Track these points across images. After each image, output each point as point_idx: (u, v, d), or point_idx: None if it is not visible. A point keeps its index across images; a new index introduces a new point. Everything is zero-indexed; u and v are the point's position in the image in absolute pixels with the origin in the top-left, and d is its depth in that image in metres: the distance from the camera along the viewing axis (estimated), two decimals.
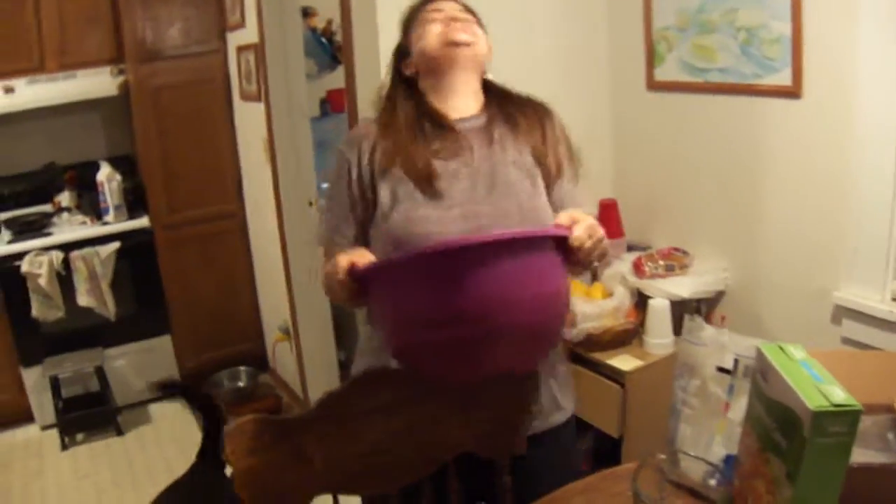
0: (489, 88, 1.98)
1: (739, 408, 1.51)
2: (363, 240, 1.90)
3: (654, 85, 3.32)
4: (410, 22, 1.97)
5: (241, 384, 5.06)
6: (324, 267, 1.87)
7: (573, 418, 2.08)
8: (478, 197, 1.81)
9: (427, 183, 1.81)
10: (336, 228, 1.94)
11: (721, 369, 1.59)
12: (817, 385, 1.19)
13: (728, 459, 1.54)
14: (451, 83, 1.90)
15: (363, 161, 1.90)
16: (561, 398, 2.00)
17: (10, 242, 4.51)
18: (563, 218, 1.59)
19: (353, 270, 1.57)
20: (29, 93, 4.61)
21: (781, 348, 1.32)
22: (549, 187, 1.89)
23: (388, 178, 1.85)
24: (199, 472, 2.45)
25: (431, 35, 1.87)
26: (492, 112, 1.93)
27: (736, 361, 1.56)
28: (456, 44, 1.85)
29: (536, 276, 1.45)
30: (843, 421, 1.14)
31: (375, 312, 1.68)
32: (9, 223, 4.79)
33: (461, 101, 1.92)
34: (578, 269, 1.68)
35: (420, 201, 1.80)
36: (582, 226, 1.56)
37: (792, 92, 2.71)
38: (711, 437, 1.59)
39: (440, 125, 1.89)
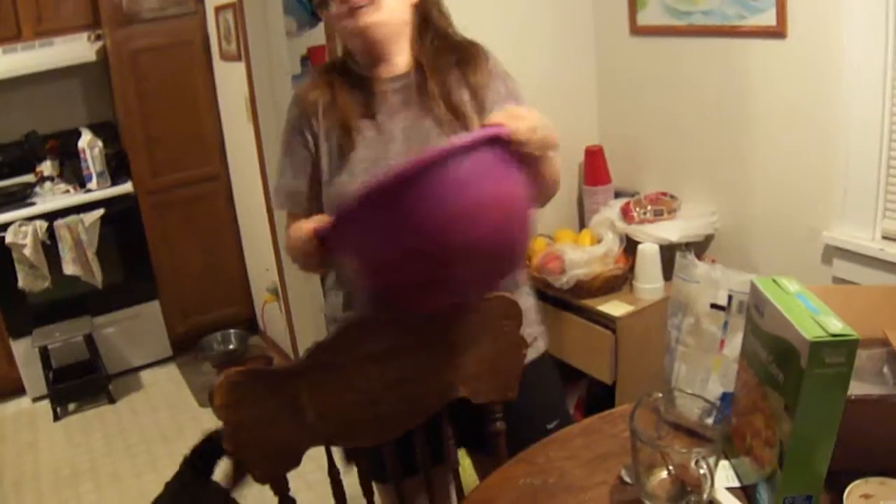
0: (426, 37, 1.89)
1: (734, 344, 1.49)
2: (318, 202, 1.90)
3: (637, 29, 3.28)
4: None
5: (231, 347, 5.07)
6: (287, 233, 1.87)
7: (547, 354, 2.09)
8: (391, 155, 1.80)
9: (348, 139, 1.82)
10: (294, 190, 1.94)
11: (715, 306, 1.57)
12: (813, 316, 1.17)
13: (724, 396, 1.53)
14: (369, 55, 1.86)
15: (313, 122, 1.89)
16: (534, 336, 2.00)
17: None
18: (498, 116, 1.53)
19: (317, 232, 1.57)
20: (6, 62, 4.56)
21: (776, 281, 1.31)
22: None
23: (328, 140, 1.85)
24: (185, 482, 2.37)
25: (331, 16, 1.82)
26: (422, 68, 1.86)
27: (730, 297, 1.55)
28: (356, 30, 1.79)
29: (478, 184, 1.38)
30: (841, 351, 1.13)
31: (346, 273, 1.66)
32: None
33: (385, 65, 1.87)
34: (531, 165, 1.57)
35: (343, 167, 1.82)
36: (520, 119, 1.50)
37: (776, 32, 2.69)
38: (707, 374, 1.58)
39: (364, 86, 1.87)
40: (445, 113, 1.82)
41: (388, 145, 1.82)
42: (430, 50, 1.87)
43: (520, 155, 1.48)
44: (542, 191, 1.82)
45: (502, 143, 1.45)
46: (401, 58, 1.87)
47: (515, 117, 1.50)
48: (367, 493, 1.83)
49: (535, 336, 2.02)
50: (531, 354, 1.96)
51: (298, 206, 1.92)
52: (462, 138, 1.41)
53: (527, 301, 1.99)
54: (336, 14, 1.78)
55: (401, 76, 1.86)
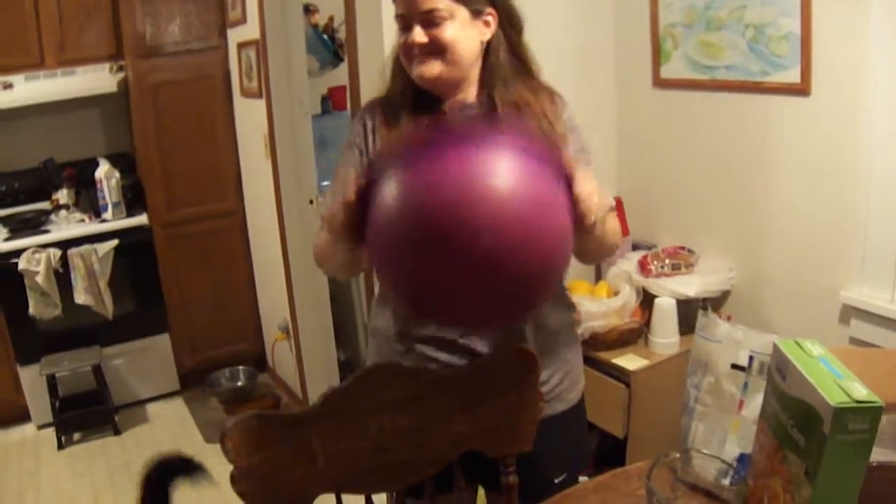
0: (493, 72, 1.86)
1: (754, 405, 1.48)
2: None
3: (660, 82, 3.29)
4: None
5: (239, 383, 5.04)
6: (317, 234, 1.83)
7: (580, 406, 2.06)
8: None
9: None
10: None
11: (735, 366, 1.56)
12: (837, 381, 1.16)
13: (742, 458, 1.51)
14: (437, 93, 1.85)
15: (368, 139, 1.89)
16: (565, 387, 1.98)
17: (7, 240, 4.48)
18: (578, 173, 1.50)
19: (358, 189, 1.49)
20: (27, 89, 4.58)
21: (798, 344, 1.29)
22: None
23: None
24: None
25: (398, 47, 1.82)
26: (490, 98, 1.84)
27: (751, 358, 1.54)
28: (423, 80, 1.80)
29: (533, 183, 1.36)
30: (865, 418, 1.12)
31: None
32: (6, 220, 4.75)
33: (455, 95, 1.86)
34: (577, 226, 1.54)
35: None
36: (590, 181, 1.50)
37: (800, 89, 2.69)
38: (725, 435, 1.56)
39: (432, 110, 1.85)
40: None
41: None
42: (500, 84, 1.84)
43: (576, 211, 1.47)
44: (598, 249, 1.84)
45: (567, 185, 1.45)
46: (472, 89, 1.86)
47: (589, 179, 1.50)
48: None
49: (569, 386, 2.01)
50: (560, 406, 1.96)
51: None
52: (530, 137, 1.43)
53: (566, 354, 1.99)
54: (404, 54, 1.80)
55: (469, 105, 1.85)
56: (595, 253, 1.92)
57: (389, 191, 1.38)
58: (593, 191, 1.49)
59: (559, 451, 1.99)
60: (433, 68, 1.76)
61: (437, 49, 1.75)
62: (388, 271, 1.47)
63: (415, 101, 1.86)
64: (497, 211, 1.30)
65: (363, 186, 1.47)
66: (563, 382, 1.97)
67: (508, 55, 1.85)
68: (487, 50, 1.83)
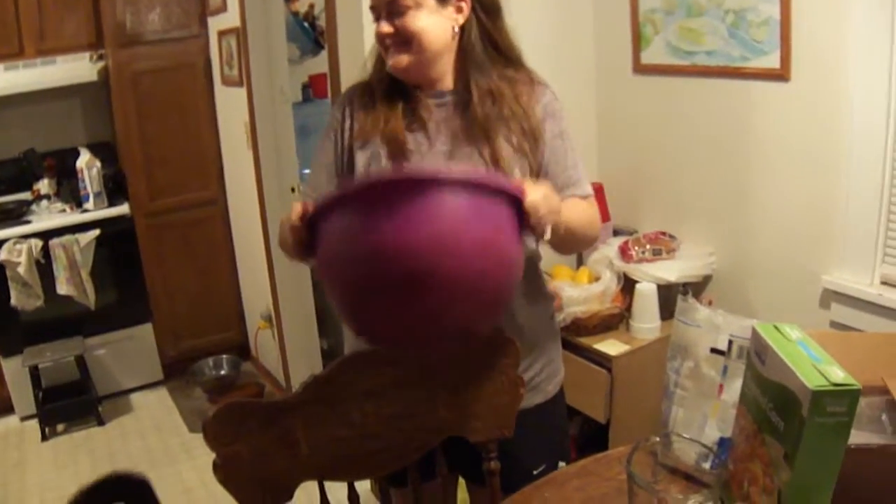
0: (467, 59, 1.84)
1: (734, 390, 1.48)
2: None
3: (640, 68, 3.29)
4: None
5: (223, 372, 5.04)
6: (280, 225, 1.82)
7: (558, 398, 2.07)
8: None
9: (399, 152, 1.79)
10: (315, 184, 1.93)
11: (715, 350, 1.56)
12: (815, 364, 1.17)
13: (722, 442, 1.52)
14: (411, 82, 1.85)
15: (345, 125, 1.89)
16: (543, 379, 1.99)
17: None
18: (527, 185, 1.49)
19: (304, 215, 1.50)
20: (6, 79, 4.55)
21: (777, 328, 1.30)
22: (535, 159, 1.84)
23: (364, 148, 1.84)
24: None
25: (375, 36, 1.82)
26: (468, 86, 1.82)
27: (730, 342, 1.54)
28: (394, 70, 1.80)
29: (478, 224, 1.35)
30: (843, 400, 1.13)
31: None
32: None
33: (429, 83, 1.86)
34: (529, 236, 1.56)
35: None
36: (538, 191, 1.48)
37: (780, 75, 2.70)
38: (705, 419, 1.57)
39: (409, 98, 1.85)
40: (484, 142, 1.80)
41: (424, 159, 1.81)
42: (475, 71, 1.82)
43: (528, 221, 1.47)
44: (570, 245, 1.87)
45: (516, 203, 1.44)
46: (448, 76, 1.85)
47: (536, 189, 1.49)
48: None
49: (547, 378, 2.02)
50: (538, 398, 1.97)
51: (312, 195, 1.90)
52: (478, 176, 1.42)
53: (547, 346, 2.01)
54: (379, 44, 1.81)
55: (445, 92, 1.85)
56: (570, 247, 1.94)
57: (335, 231, 1.39)
58: (541, 202, 1.47)
59: (537, 443, 1.99)
60: (401, 60, 1.77)
61: (404, 39, 1.74)
62: (332, 296, 1.46)
63: (392, 88, 1.86)
64: (440, 262, 1.31)
65: (308, 215, 1.48)
66: (541, 374, 1.98)
67: (484, 41, 1.83)
68: (462, 36, 1.82)
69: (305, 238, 1.51)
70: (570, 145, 1.88)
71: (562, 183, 1.83)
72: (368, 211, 1.33)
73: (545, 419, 2.02)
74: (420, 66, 1.78)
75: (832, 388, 1.12)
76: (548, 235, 1.57)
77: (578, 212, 1.79)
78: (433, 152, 1.82)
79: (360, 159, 1.85)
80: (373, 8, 1.78)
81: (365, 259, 1.33)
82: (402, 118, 1.83)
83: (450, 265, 1.31)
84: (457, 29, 1.80)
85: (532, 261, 1.94)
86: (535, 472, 1.95)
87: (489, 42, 1.84)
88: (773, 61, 2.70)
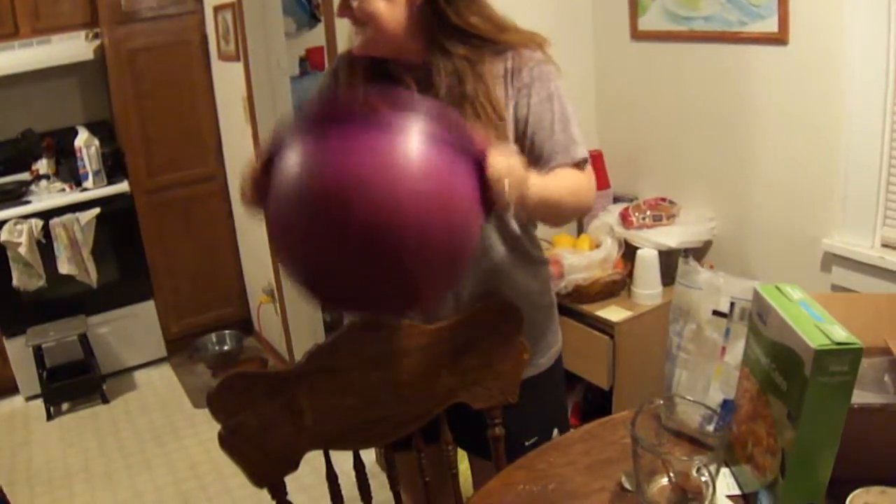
0: (428, 35, 1.77)
1: (736, 351, 1.49)
2: None
3: (637, 34, 3.28)
4: None
5: (226, 347, 5.06)
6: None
7: (554, 369, 2.06)
8: None
9: None
10: None
11: (717, 313, 1.57)
12: (817, 324, 1.17)
13: (726, 404, 1.53)
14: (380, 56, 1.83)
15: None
16: (534, 352, 1.95)
17: None
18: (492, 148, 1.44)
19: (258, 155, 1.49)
20: (3, 59, 4.53)
21: (779, 289, 1.30)
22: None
23: None
24: None
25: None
26: (438, 54, 1.77)
27: (732, 304, 1.54)
28: (357, 50, 1.78)
29: (422, 173, 1.30)
30: (845, 359, 1.13)
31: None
32: None
33: (400, 57, 1.82)
34: (486, 209, 1.46)
35: None
36: (502, 161, 1.43)
37: (778, 39, 2.68)
38: (708, 381, 1.57)
39: (383, 70, 1.83)
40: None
41: None
42: (435, 48, 1.76)
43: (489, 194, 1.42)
44: (554, 217, 1.84)
45: (477, 162, 1.40)
46: (417, 50, 1.78)
47: (501, 158, 1.44)
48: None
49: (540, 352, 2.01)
50: (531, 371, 1.96)
51: None
52: (443, 125, 1.35)
53: (535, 317, 1.99)
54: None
55: (417, 66, 1.80)
56: (551, 221, 1.90)
57: (282, 161, 1.36)
58: (504, 172, 1.42)
59: (529, 415, 1.98)
60: (359, 41, 1.75)
61: (360, 20, 1.72)
62: (275, 243, 1.45)
63: (373, 60, 1.83)
64: (377, 190, 1.27)
65: (268, 155, 1.44)
66: (532, 347, 1.95)
67: (442, 19, 1.74)
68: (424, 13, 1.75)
69: (260, 179, 1.48)
70: (561, 108, 1.82)
71: (549, 151, 1.79)
72: (316, 139, 1.32)
73: (536, 391, 1.98)
74: (377, 45, 1.75)
75: (834, 347, 1.12)
76: (510, 210, 1.54)
77: (559, 184, 1.73)
78: None
79: None
80: None
81: (299, 190, 1.32)
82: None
83: (382, 206, 1.27)
84: (418, 3, 1.72)
85: (509, 230, 1.90)
86: (526, 444, 1.93)
87: (450, 19, 1.75)
88: (770, 25, 2.69)
